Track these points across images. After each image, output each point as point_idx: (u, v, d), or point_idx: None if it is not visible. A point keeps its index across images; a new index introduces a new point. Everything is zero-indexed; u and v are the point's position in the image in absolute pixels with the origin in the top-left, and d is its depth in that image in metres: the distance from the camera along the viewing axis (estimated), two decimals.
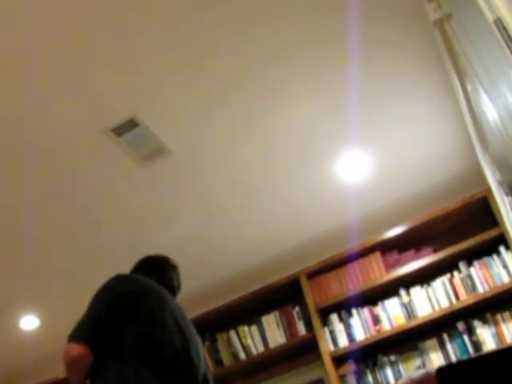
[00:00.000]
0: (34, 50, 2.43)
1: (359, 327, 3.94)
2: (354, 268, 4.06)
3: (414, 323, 3.79)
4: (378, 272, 3.98)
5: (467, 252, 3.80)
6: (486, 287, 3.71)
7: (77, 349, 2.00)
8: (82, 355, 2.00)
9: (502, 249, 3.74)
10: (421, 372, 2.74)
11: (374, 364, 3.93)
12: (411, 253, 3.98)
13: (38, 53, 2.45)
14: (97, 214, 3.46)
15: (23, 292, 3.89)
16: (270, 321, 4.23)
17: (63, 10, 2.31)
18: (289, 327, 4.18)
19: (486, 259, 3.78)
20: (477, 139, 2.50)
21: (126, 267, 2.53)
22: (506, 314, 3.70)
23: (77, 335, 2.04)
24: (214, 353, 4.28)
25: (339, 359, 3.93)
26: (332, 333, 3.97)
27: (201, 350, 2.33)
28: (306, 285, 4.10)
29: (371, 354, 3.93)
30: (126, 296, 2.16)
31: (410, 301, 3.87)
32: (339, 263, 4.09)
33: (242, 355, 4.22)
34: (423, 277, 3.89)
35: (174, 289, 2.44)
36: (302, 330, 4.14)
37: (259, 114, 3.04)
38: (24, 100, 2.64)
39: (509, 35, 1.31)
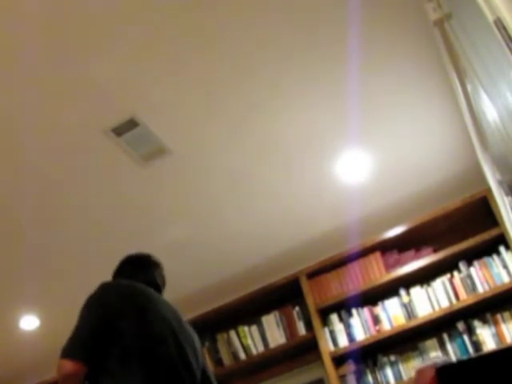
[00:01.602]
0: (34, 50, 2.43)
1: (359, 327, 3.94)
2: (354, 268, 4.06)
3: (414, 323, 3.79)
4: (378, 272, 3.98)
5: (467, 252, 3.80)
6: (486, 287, 3.71)
7: (69, 366, 2.03)
8: (74, 372, 2.03)
9: (502, 249, 3.74)
10: (443, 359, 2.73)
11: (374, 364, 3.93)
12: (411, 253, 3.98)
13: (38, 53, 2.45)
14: (96, 214, 3.46)
15: (23, 292, 3.88)
16: (270, 321, 4.23)
17: (63, 10, 2.31)
18: (289, 327, 4.18)
19: (485, 259, 3.78)
20: (477, 139, 2.50)
21: None
22: (506, 314, 3.70)
23: (68, 352, 2.06)
24: (214, 353, 4.28)
25: (339, 359, 3.93)
26: (332, 333, 3.97)
27: (198, 345, 2.33)
28: (306, 285, 4.10)
29: (371, 354, 3.93)
30: (115, 306, 2.15)
31: (410, 301, 3.87)
32: (339, 263, 4.09)
33: (242, 355, 4.22)
34: (423, 277, 3.89)
35: (159, 287, 2.44)
36: (302, 330, 4.14)
37: (259, 114, 3.04)
38: (24, 100, 2.64)
39: (509, 35, 1.30)
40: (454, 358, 3.74)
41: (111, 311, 2.13)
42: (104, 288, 2.26)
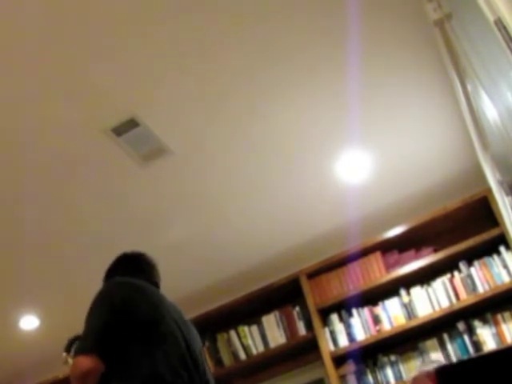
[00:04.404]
0: (34, 50, 2.43)
1: (359, 327, 3.93)
2: (355, 268, 4.05)
3: (414, 323, 3.79)
4: (378, 272, 3.98)
5: (467, 252, 3.80)
6: (487, 287, 3.71)
7: (86, 362, 1.98)
8: (92, 367, 1.97)
9: (502, 249, 3.74)
10: (434, 365, 2.73)
11: (375, 364, 3.92)
12: (411, 253, 3.97)
13: (38, 53, 2.45)
14: (97, 214, 3.46)
15: (23, 292, 3.88)
16: (270, 321, 4.23)
17: (64, 11, 2.31)
18: (289, 327, 4.18)
19: (486, 259, 3.78)
20: (477, 139, 2.50)
21: None
22: (507, 314, 3.70)
23: (83, 348, 2.02)
24: (214, 353, 4.28)
25: (339, 359, 3.93)
26: (332, 333, 3.97)
27: (200, 345, 2.33)
28: (306, 285, 4.09)
29: (371, 354, 3.93)
30: (125, 302, 2.14)
31: (411, 301, 3.86)
32: (339, 263, 4.09)
33: (242, 355, 4.22)
34: (423, 277, 3.89)
35: (158, 287, 2.44)
36: (302, 330, 4.13)
37: (259, 114, 3.04)
38: (24, 100, 2.64)
39: (509, 35, 1.31)
40: (454, 358, 3.74)
41: (123, 308, 2.11)
42: (115, 285, 2.24)
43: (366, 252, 4.04)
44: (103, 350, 2.02)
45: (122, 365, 2.03)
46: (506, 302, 3.72)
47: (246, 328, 4.27)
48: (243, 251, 4.05)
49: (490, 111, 2.02)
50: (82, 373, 1.97)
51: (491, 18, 1.37)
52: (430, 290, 3.85)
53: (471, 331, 3.73)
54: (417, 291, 3.88)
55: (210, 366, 4.13)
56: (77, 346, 2.05)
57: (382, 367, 3.89)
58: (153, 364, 2.03)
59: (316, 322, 4.01)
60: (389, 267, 3.97)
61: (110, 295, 2.17)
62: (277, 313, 4.24)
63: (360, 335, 3.91)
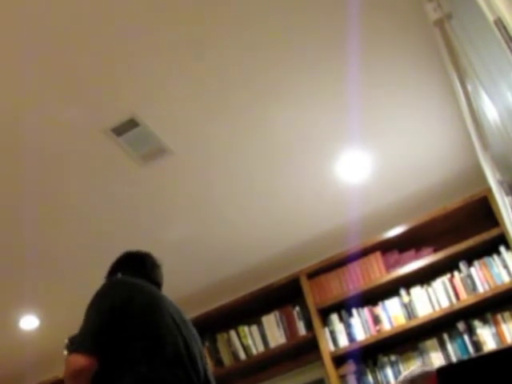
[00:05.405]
0: (34, 50, 2.43)
1: (359, 327, 3.93)
2: (355, 268, 4.05)
3: (414, 323, 3.79)
4: (378, 272, 3.98)
5: (467, 252, 3.80)
6: (487, 287, 3.71)
7: (79, 360, 1.99)
8: (85, 366, 1.98)
9: (502, 249, 3.74)
10: (421, 370, 2.73)
11: (375, 364, 3.92)
12: (411, 253, 3.98)
13: (38, 53, 2.45)
14: (96, 214, 3.46)
15: (23, 292, 3.88)
16: (270, 321, 4.23)
17: (64, 10, 2.31)
18: (289, 327, 4.18)
19: (486, 259, 3.78)
20: (477, 139, 2.51)
21: None
22: (507, 314, 3.70)
23: (79, 347, 2.03)
24: (214, 353, 4.28)
25: (339, 359, 3.93)
26: (332, 333, 3.97)
27: (201, 345, 2.33)
28: (306, 285, 4.09)
29: (371, 354, 3.93)
30: (123, 301, 2.14)
31: (411, 301, 3.86)
32: (339, 263, 4.09)
33: (242, 355, 4.22)
34: (423, 277, 3.89)
35: (160, 287, 2.44)
36: (302, 330, 4.13)
37: (259, 114, 3.04)
38: (24, 100, 2.64)
39: (509, 35, 1.31)
40: (454, 358, 3.74)
41: (121, 307, 2.10)
42: (113, 284, 2.25)
43: (366, 252, 4.04)
44: (99, 349, 2.02)
45: (119, 364, 2.03)
46: (506, 301, 3.72)
47: (245, 328, 4.27)
48: (243, 251, 4.05)
49: (490, 111, 2.02)
50: (75, 371, 1.99)
51: (491, 18, 1.37)
52: (430, 289, 3.85)
53: (471, 331, 3.73)
54: (417, 291, 3.88)
55: (210, 366, 4.16)
56: (74, 344, 2.06)
57: (382, 367, 3.89)
58: (150, 364, 2.03)
59: (316, 321, 4.01)
60: (389, 267, 3.97)
61: (107, 294, 2.17)
62: (277, 313, 4.24)
63: (360, 335, 3.91)
